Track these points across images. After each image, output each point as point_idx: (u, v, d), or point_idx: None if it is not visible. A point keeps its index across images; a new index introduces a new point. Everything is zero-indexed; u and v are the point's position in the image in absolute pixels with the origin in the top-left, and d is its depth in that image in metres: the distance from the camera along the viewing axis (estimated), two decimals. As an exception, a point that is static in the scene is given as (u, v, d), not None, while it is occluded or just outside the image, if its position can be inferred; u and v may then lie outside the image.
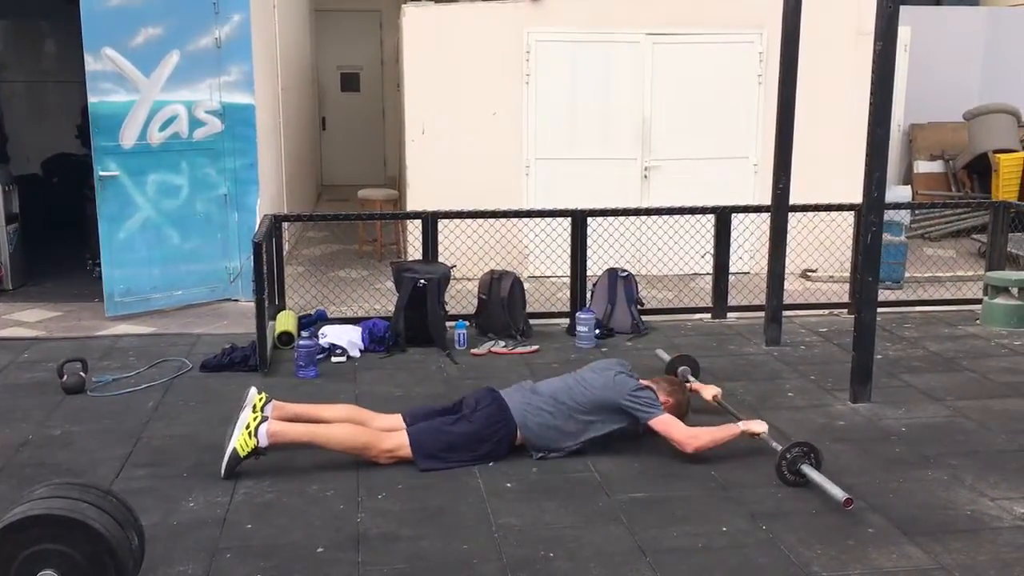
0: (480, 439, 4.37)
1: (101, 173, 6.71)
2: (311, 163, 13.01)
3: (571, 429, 4.43)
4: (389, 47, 13.96)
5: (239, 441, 4.16)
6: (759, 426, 4.43)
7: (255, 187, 7.38)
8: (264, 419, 4.24)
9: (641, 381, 4.58)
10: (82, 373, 5.39)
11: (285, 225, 7.15)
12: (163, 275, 7.07)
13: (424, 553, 3.57)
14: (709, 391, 4.97)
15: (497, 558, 3.53)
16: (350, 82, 14.98)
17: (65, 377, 5.34)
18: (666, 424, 4.39)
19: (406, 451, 4.31)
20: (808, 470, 4.06)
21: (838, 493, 3.81)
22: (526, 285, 6.88)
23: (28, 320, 6.94)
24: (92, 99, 6.65)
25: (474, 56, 8.28)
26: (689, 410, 4.73)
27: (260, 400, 4.36)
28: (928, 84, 11.08)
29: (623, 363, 4.71)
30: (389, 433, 4.37)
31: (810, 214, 7.35)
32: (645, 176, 8.60)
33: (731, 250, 7.06)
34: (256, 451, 4.17)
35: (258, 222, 6.94)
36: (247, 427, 4.18)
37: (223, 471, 4.16)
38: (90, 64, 6.60)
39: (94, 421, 4.93)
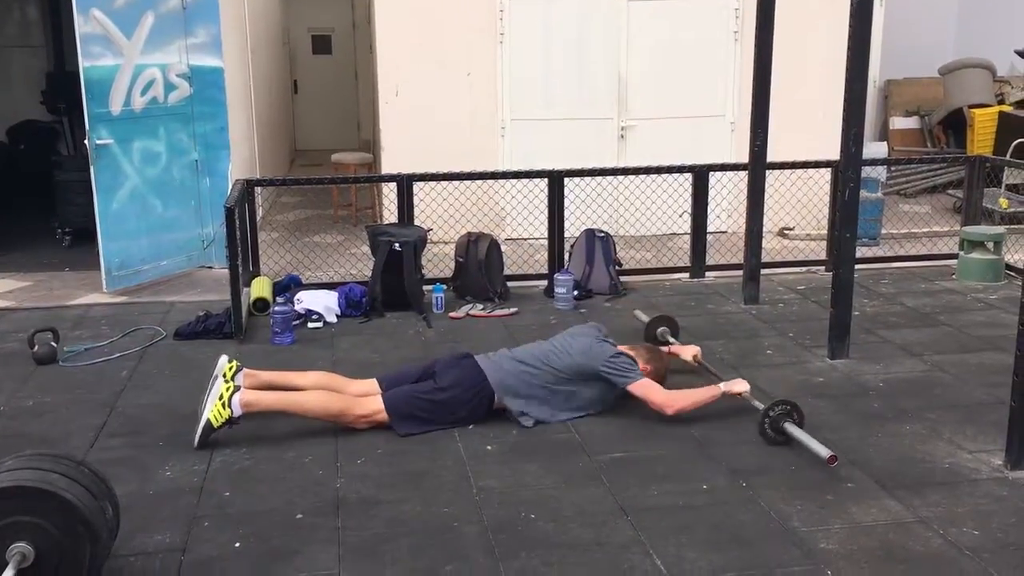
0: (456, 405, 4.34)
1: (97, 141, 6.43)
2: (283, 128, 12.84)
3: (552, 392, 4.41)
4: (361, 8, 13.73)
5: (213, 412, 4.12)
6: (741, 386, 4.42)
7: (226, 152, 7.25)
8: (237, 389, 4.20)
9: (619, 348, 4.57)
10: (53, 343, 5.31)
11: (258, 190, 7.05)
12: (150, 246, 6.88)
13: (404, 517, 3.55)
14: (689, 351, 4.96)
15: (478, 520, 3.52)
16: (322, 44, 14.75)
17: (36, 347, 5.25)
18: (645, 388, 4.37)
19: (382, 416, 4.28)
20: (791, 428, 4.06)
21: (822, 451, 3.80)
22: (503, 247, 6.83)
23: (-3, 290, 6.83)
24: (84, 63, 6.31)
25: (447, 15, 8.15)
26: (668, 374, 4.72)
27: (231, 369, 4.31)
28: (903, 39, 11.03)
29: (600, 328, 4.70)
30: (364, 398, 4.33)
31: (787, 172, 7.33)
32: (622, 136, 8.53)
33: (709, 209, 7.03)
34: (230, 421, 4.14)
35: (230, 187, 6.83)
36: (220, 398, 4.14)
37: (196, 441, 4.12)
38: (80, 26, 6.27)
39: (67, 391, 4.86)
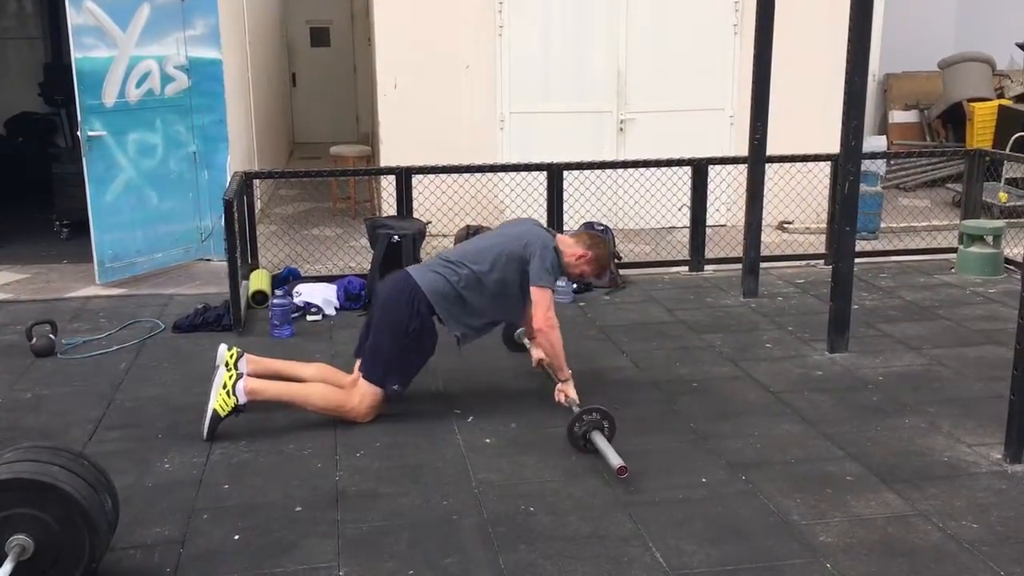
0: (403, 323, 4.22)
1: (89, 133, 6.44)
2: (282, 120, 12.82)
3: (465, 287, 4.27)
4: (359, 0, 13.70)
5: (218, 402, 4.11)
6: (572, 393, 4.30)
7: (224, 144, 7.23)
8: (240, 376, 4.20)
9: (559, 236, 4.49)
10: (51, 335, 5.29)
11: (256, 183, 7.03)
12: (145, 238, 6.88)
13: (403, 510, 3.55)
14: (537, 354, 4.64)
15: (477, 514, 3.51)
16: (320, 37, 14.72)
17: (34, 340, 5.24)
18: (544, 296, 4.25)
19: (372, 392, 4.26)
20: (595, 439, 3.91)
21: (615, 461, 3.70)
22: (502, 240, 6.81)
23: (-5, 283, 6.82)
24: (76, 55, 6.32)
25: (446, 8, 8.13)
26: (611, 263, 4.57)
27: (232, 356, 4.31)
28: (903, 33, 11.02)
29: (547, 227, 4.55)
30: (354, 388, 4.32)
31: (786, 165, 7.31)
32: (621, 129, 8.52)
33: (708, 202, 7.03)
34: (236, 409, 4.13)
35: (228, 180, 6.81)
36: (224, 386, 4.13)
37: (205, 433, 4.11)
38: (72, 18, 6.29)
39: (65, 384, 4.85)
